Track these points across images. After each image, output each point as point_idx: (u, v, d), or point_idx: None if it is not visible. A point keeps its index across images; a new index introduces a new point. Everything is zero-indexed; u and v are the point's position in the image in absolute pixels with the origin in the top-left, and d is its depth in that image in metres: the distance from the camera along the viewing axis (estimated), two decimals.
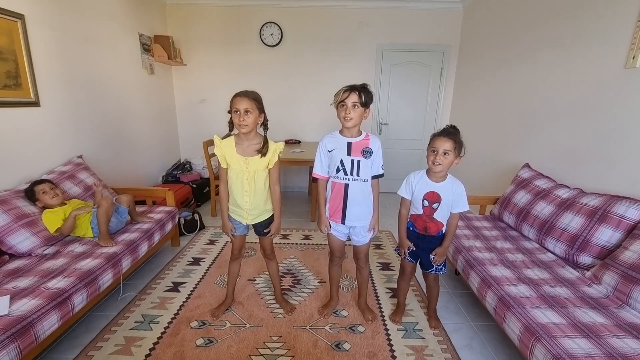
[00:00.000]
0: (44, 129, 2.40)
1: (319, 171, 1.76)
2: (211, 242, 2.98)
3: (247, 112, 1.59)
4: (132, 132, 3.52)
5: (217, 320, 1.93)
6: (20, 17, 2.17)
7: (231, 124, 1.69)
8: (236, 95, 1.61)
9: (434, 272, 1.80)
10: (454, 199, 1.67)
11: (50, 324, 1.45)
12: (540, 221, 2.09)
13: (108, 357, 1.65)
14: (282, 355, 1.68)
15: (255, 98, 1.63)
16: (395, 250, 1.90)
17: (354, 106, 1.58)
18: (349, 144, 1.67)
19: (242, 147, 1.70)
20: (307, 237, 3.13)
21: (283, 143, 1.77)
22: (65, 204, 2.15)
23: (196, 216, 3.20)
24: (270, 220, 1.84)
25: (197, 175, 4.16)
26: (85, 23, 2.79)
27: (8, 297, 1.45)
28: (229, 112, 1.65)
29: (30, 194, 2.06)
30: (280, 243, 2.98)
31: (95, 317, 1.95)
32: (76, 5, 2.68)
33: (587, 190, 2.05)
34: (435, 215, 1.70)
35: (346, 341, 1.79)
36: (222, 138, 1.73)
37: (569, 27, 2.38)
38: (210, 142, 3.59)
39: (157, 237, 2.37)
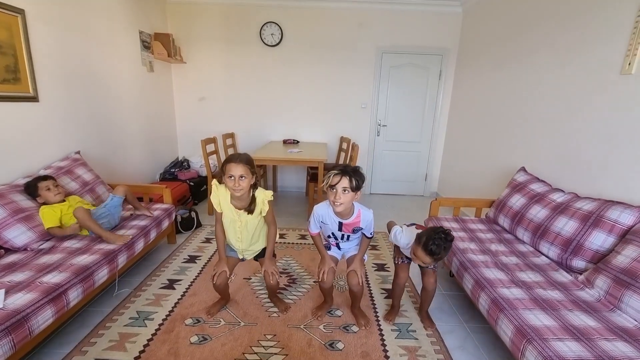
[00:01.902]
0: (42, 124, 2.40)
1: (313, 230, 1.84)
2: (207, 240, 2.98)
3: (242, 177, 1.63)
4: (131, 128, 3.52)
5: (211, 318, 1.93)
6: (21, 12, 2.17)
7: (221, 179, 1.72)
8: (230, 161, 1.64)
9: (429, 268, 1.83)
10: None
11: (44, 318, 1.45)
12: (535, 225, 2.10)
13: (102, 352, 1.65)
14: (275, 354, 1.68)
15: (248, 162, 1.67)
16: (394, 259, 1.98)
17: (344, 191, 1.57)
18: (340, 224, 1.74)
19: (235, 200, 1.75)
20: (303, 237, 3.14)
21: (271, 192, 1.81)
22: (65, 200, 2.15)
23: (193, 214, 3.21)
24: (264, 251, 1.92)
25: (195, 173, 4.16)
26: (86, 19, 2.80)
27: (3, 291, 1.45)
28: (221, 169, 1.69)
29: (32, 189, 2.05)
30: (276, 242, 2.98)
31: (90, 312, 1.95)
32: (77, 1, 2.68)
33: (581, 194, 2.07)
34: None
35: (340, 341, 1.80)
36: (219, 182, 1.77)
37: (566, 33, 2.40)
38: (209, 141, 3.60)
39: (153, 234, 2.38)
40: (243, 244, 1.86)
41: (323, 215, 1.76)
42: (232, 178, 1.62)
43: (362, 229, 1.75)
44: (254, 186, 1.76)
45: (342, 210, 1.64)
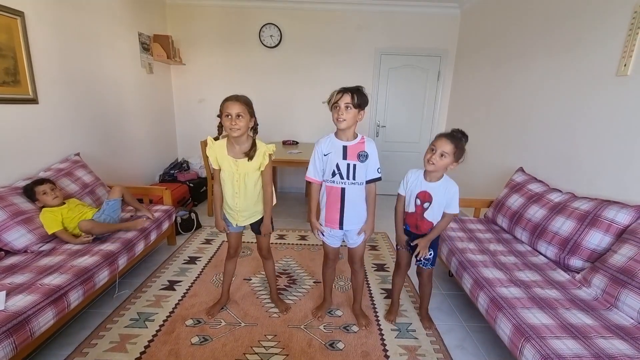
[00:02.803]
0: (41, 126, 2.40)
1: (312, 175, 1.75)
2: (207, 242, 2.99)
3: (238, 116, 1.59)
4: (130, 130, 3.53)
5: (212, 318, 1.94)
6: (20, 14, 2.18)
7: (220, 128, 1.71)
8: (227, 100, 1.62)
9: (421, 265, 1.83)
10: (446, 200, 1.70)
11: (45, 320, 1.46)
12: (533, 224, 2.12)
13: (103, 354, 1.66)
14: (276, 354, 1.69)
15: (246, 102, 1.64)
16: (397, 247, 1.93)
17: (347, 107, 1.57)
18: (345, 148, 1.66)
19: (233, 149, 1.71)
20: (303, 238, 3.15)
21: (274, 145, 1.78)
22: (65, 203, 2.15)
23: (193, 215, 3.21)
24: (261, 221, 1.86)
25: (195, 174, 4.17)
26: (85, 21, 2.80)
27: (4, 292, 1.45)
28: (219, 116, 1.66)
29: (30, 193, 2.05)
30: (276, 243, 3.00)
31: (91, 314, 1.96)
32: (76, 3, 2.69)
33: (578, 194, 2.09)
34: (425, 215, 1.73)
35: (340, 340, 1.81)
36: (215, 139, 1.74)
37: (562, 35, 2.42)
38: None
39: (153, 236, 2.38)
40: (240, 200, 1.75)
41: (326, 145, 1.69)
42: (229, 117, 1.58)
43: (367, 156, 1.65)
44: (254, 130, 1.73)
45: (345, 127, 1.61)
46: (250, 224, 1.87)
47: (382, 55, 4.31)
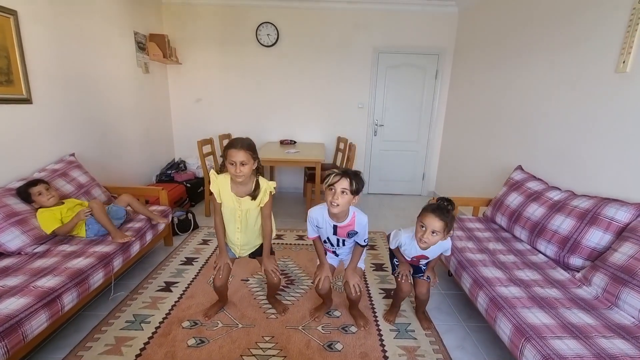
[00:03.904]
0: (36, 126, 2.37)
1: (312, 235, 1.81)
2: (204, 242, 2.96)
3: (242, 164, 1.61)
4: (126, 130, 3.50)
5: (209, 320, 1.92)
6: (13, 13, 2.15)
7: (223, 165, 1.71)
8: (231, 147, 1.62)
9: (425, 279, 1.84)
10: (442, 251, 1.77)
11: (39, 323, 1.43)
12: (532, 223, 2.10)
13: (98, 357, 1.63)
14: (274, 356, 1.67)
15: (250, 148, 1.65)
16: (393, 273, 1.93)
17: (343, 192, 1.56)
18: (335, 227, 1.72)
19: (237, 187, 1.73)
20: (301, 238, 3.13)
21: (274, 183, 1.80)
22: (63, 202, 2.13)
23: (190, 216, 3.19)
24: (261, 248, 1.90)
25: (192, 174, 4.14)
26: (80, 20, 2.77)
27: None
28: (222, 156, 1.68)
29: (24, 195, 2.03)
30: (274, 243, 2.97)
31: (86, 316, 1.93)
32: (70, 1, 2.66)
33: (578, 192, 2.08)
34: (421, 263, 1.85)
35: (338, 341, 1.79)
36: (218, 173, 1.76)
37: (561, 32, 2.41)
38: (205, 142, 3.58)
39: (149, 237, 2.36)
40: (242, 235, 1.81)
41: (317, 219, 1.75)
42: (234, 165, 1.60)
43: (357, 233, 1.73)
44: (257, 171, 1.74)
45: (338, 212, 1.62)
46: (250, 254, 1.93)
47: (379, 54, 4.30)
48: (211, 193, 1.76)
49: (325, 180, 1.61)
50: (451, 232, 1.64)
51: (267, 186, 1.75)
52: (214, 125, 4.48)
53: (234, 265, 2.03)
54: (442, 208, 1.59)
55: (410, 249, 1.76)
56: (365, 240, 1.76)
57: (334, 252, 1.89)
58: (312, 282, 2.34)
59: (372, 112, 4.50)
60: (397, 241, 1.79)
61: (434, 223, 1.56)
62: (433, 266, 1.85)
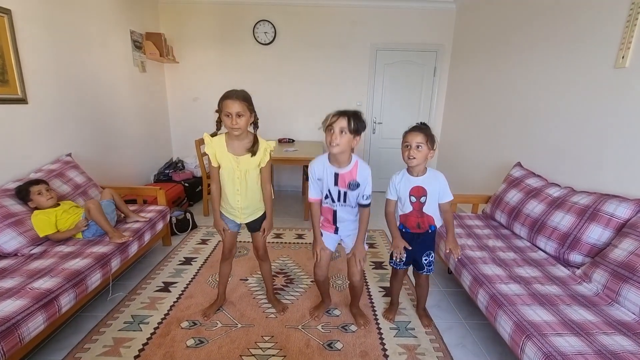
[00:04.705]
0: (31, 126, 2.35)
1: (314, 195, 1.73)
2: (203, 242, 2.95)
3: (239, 115, 1.55)
4: (123, 130, 3.47)
5: (208, 320, 1.91)
6: (7, 12, 2.13)
7: (219, 123, 1.67)
8: (226, 98, 1.56)
9: (425, 273, 1.83)
10: (439, 189, 1.70)
11: (35, 325, 1.42)
12: (532, 220, 2.10)
13: (96, 358, 1.62)
14: (273, 355, 1.66)
15: (245, 99, 1.59)
16: (390, 262, 1.88)
17: (342, 132, 1.51)
18: (336, 175, 1.64)
19: (233, 146, 1.67)
20: (300, 237, 3.11)
21: (275, 142, 1.75)
22: (59, 204, 2.11)
23: (188, 215, 3.17)
24: (263, 218, 1.83)
25: (190, 174, 4.12)
26: (75, 19, 2.75)
27: None
28: (217, 111, 1.62)
29: (23, 193, 2.01)
30: (273, 242, 2.97)
31: (84, 317, 1.92)
32: (65, 0, 2.63)
33: (577, 188, 2.07)
34: (424, 210, 1.72)
35: (338, 340, 1.78)
36: (212, 135, 1.70)
37: (560, 28, 2.40)
38: (203, 141, 3.55)
39: (147, 237, 2.34)
40: (242, 198, 1.73)
41: (318, 170, 1.67)
42: (230, 116, 1.55)
43: (358, 185, 1.63)
44: (254, 125, 1.70)
45: (338, 152, 1.54)
46: (248, 223, 1.84)
47: (377, 51, 4.28)
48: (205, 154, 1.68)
49: (323, 122, 1.57)
50: (435, 146, 1.66)
51: (266, 145, 1.69)
52: (211, 124, 4.43)
53: (232, 266, 2.02)
54: (419, 125, 1.68)
55: (405, 184, 1.72)
56: (369, 197, 1.67)
57: (334, 216, 1.74)
58: (313, 280, 2.33)
59: (371, 110, 4.48)
60: (393, 184, 1.76)
61: (416, 138, 1.62)
62: (452, 233, 1.73)
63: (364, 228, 1.73)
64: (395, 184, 1.75)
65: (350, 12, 4.16)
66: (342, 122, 1.51)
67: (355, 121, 1.52)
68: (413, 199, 1.71)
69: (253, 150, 1.66)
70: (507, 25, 3.04)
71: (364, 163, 1.66)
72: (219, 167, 1.71)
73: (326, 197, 1.71)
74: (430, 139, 1.63)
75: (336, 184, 1.65)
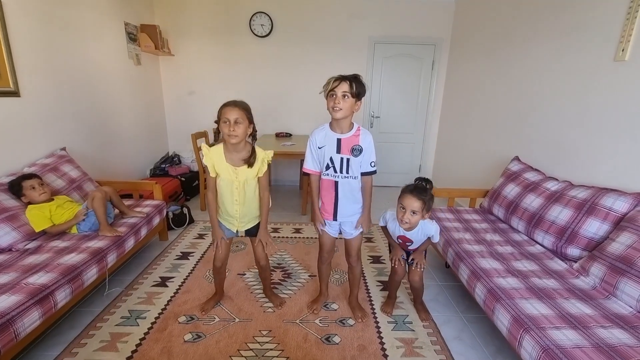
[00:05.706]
0: (24, 120, 2.31)
1: (310, 166, 1.72)
2: (200, 236, 2.93)
3: (237, 122, 1.55)
4: (119, 124, 3.43)
5: (205, 315, 1.90)
6: None
7: (217, 134, 1.66)
8: (225, 105, 1.57)
9: (409, 262, 1.87)
10: (427, 236, 1.75)
11: (31, 320, 1.40)
12: (529, 214, 2.10)
13: (93, 353, 1.61)
14: (271, 350, 1.66)
15: (244, 108, 1.60)
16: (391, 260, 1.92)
17: (344, 96, 1.51)
18: (339, 141, 1.62)
19: (231, 156, 1.66)
20: (297, 231, 3.11)
21: (272, 152, 1.74)
22: (53, 199, 2.08)
23: (185, 210, 3.15)
24: (258, 226, 1.84)
25: (186, 168, 4.09)
26: (68, 10, 2.69)
27: None
28: (216, 122, 1.61)
29: (16, 188, 1.98)
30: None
31: (80, 313, 1.91)
32: None
33: (575, 182, 2.07)
34: (410, 247, 1.82)
35: (336, 334, 1.78)
36: (210, 146, 1.69)
37: (559, 21, 2.38)
38: (200, 135, 3.53)
39: (144, 232, 2.32)
40: (240, 208, 1.73)
41: (319, 138, 1.65)
42: (227, 123, 1.54)
43: (361, 151, 1.61)
44: (252, 137, 1.70)
45: (341, 117, 1.54)
46: (247, 230, 1.85)
47: (375, 44, 4.24)
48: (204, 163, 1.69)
49: (325, 87, 1.55)
50: (430, 212, 1.66)
51: (264, 155, 1.70)
52: (208, 117, 4.37)
53: (230, 261, 2.01)
54: (420, 188, 1.64)
55: (394, 228, 1.78)
56: (373, 164, 1.66)
57: (336, 184, 1.67)
58: (311, 275, 2.33)
59: (368, 104, 4.45)
60: (384, 219, 1.83)
61: (413, 203, 1.61)
62: (422, 250, 1.81)
63: (368, 199, 1.74)
64: (387, 220, 1.84)
65: (348, 4, 4.11)
66: (344, 86, 1.51)
67: (357, 84, 1.52)
68: (399, 240, 1.81)
69: (250, 161, 1.66)
70: (506, 18, 3.02)
71: (366, 130, 1.66)
72: (216, 177, 1.71)
73: (327, 167, 1.66)
74: (427, 205, 1.63)
75: (339, 151, 1.63)
